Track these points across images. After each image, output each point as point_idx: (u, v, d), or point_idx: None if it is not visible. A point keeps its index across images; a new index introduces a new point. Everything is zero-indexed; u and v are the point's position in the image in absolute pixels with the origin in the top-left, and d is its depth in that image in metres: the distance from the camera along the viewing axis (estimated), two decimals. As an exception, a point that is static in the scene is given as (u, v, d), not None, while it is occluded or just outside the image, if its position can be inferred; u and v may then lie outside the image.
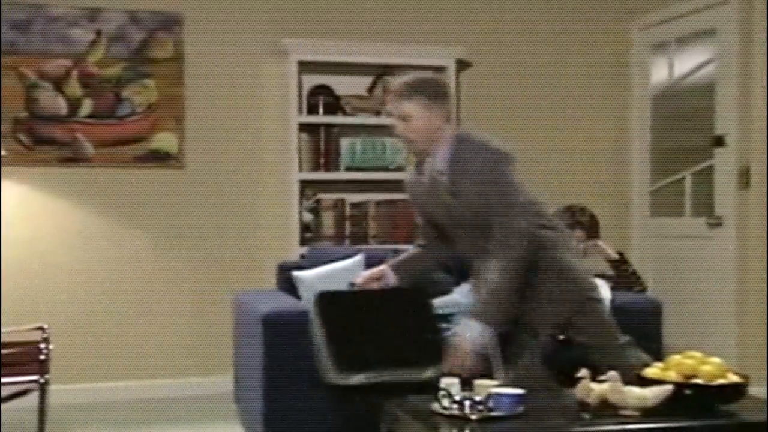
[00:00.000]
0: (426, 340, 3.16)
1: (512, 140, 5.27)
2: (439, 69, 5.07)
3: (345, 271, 3.67)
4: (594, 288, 3.24)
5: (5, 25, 4.54)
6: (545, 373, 3.10)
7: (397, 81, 3.15)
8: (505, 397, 2.50)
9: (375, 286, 3.30)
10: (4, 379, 2.89)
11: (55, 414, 3.13)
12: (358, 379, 3.09)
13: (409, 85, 3.08)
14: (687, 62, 5.11)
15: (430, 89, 3.09)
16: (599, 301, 3.26)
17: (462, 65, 5.23)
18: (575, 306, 3.14)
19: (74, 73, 4.65)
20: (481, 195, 3.02)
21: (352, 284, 3.30)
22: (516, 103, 5.39)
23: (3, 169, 4.52)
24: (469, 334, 2.97)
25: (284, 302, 3.67)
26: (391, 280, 3.32)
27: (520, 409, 2.51)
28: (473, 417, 2.48)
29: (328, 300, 3.19)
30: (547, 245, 3.12)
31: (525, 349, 3.10)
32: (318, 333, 3.16)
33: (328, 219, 4.95)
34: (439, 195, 3.15)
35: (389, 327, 3.15)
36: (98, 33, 4.69)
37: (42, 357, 2.93)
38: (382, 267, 3.35)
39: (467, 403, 2.51)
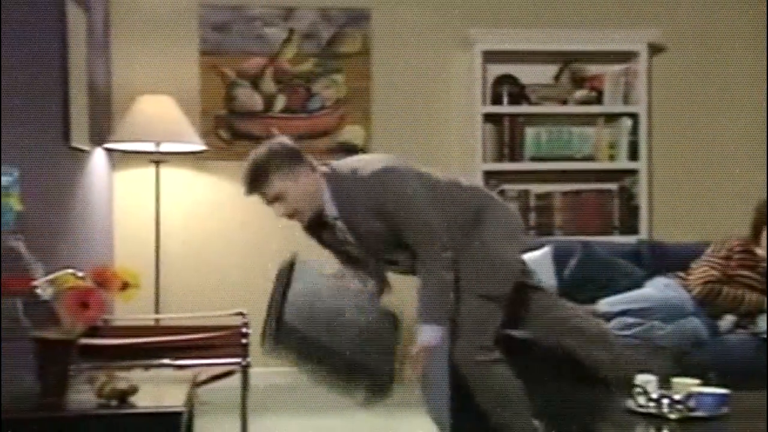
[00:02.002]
0: None
1: (708, 132, 5.16)
2: (629, 54, 4.91)
3: (532, 264, 3.61)
4: (527, 273, 3.00)
5: (208, 27, 4.82)
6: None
7: (243, 173, 2.79)
8: (709, 396, 2.39)
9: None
10: (209, 361, 3.07)
11: (254, 395, 3.30)
12: None
13: (259, 167, 2.76)
14: None
15: (279, 157, 2.77)
16: (537, 288, 3.02)
17: (654, 50, 5.01)
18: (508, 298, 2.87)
19: (269, 70, 4.87)
20: (379, 225, 2.84)
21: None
22: (715, 90, 5.11)
23: (205, 163, 4.81)
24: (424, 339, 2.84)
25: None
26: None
27: (725, 410, 2.39)
28: (672, 416, 2.39)
29: None
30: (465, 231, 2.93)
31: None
32: None
33: (512, 210, 4.92)
34: (347, 240, 2.96)
35: None
36: (291, 31, 4.88)
37: (243, 341, 3.09)
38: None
39: (665, 401, 2.42)
